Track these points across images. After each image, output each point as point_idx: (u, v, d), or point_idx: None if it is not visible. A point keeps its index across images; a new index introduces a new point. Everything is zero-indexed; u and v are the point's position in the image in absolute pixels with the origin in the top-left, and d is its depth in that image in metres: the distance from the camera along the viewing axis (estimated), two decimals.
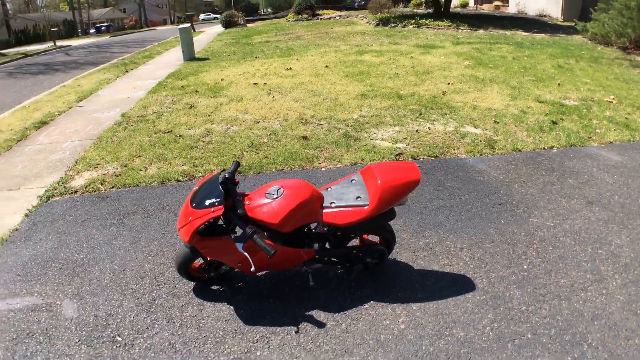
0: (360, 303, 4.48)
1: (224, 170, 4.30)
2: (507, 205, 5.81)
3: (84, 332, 4.41)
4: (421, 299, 4.44)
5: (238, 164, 4.30)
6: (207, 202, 3.98)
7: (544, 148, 7.39)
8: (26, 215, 6.37)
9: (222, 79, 12.47)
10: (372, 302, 4.47)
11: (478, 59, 12.91)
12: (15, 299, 4.84)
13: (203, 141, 8.41)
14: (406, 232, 5.39)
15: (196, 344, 4.21)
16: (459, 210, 5.73)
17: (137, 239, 5.76)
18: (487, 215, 5.59)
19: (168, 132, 8.61)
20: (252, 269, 3.99)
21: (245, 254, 3.95)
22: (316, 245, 4.38)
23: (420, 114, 8.77)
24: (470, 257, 4.94)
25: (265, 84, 11.43)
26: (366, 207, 4.07)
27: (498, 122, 8.18)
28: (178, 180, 7.12)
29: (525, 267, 4.76)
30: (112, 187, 7.01)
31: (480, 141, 7.52)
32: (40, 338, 4.35)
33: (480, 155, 7.12)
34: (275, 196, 4.06)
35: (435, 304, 4.38)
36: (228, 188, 4.02)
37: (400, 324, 4.22)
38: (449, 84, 10.45)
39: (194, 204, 4.04)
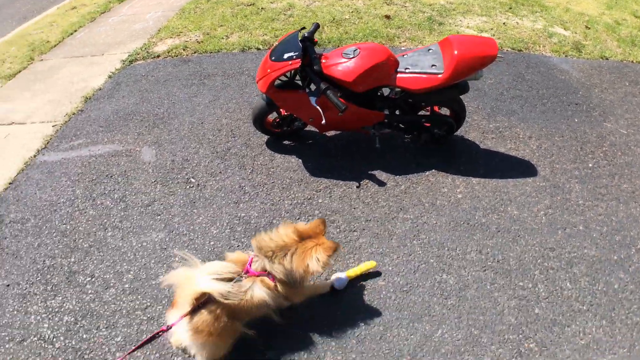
0: (422, 170, 4.64)
1: (303, 28, 4.39)
2: (584, 106, 5.71)
3: (160, 174, 4.82)
4: (482, 175, 4.55)
5: (318, 25, 4.37)
6: (286, 56, 4.11)
7: (633, 61, 7.07)
8: (109, 77, 6.65)
9: None
10: (433, 170, 4.63)
11: None
12: (97, 146, 5.26)
13: (284, 14, 8.46)
14: (478, 114, 5.41)
15: (264, 188, 4.53)
16: (534, 103, 5.68)
17: (216, 97, 6.02)
18: (561, 112, 5.53)
19: (250, 4, 8.75)
20: (323, 121, 4.14)
21: (318, 108, 4.09)
22: (387, 110, 4.48)
23: (510, 8, 8.46)
24: (537, 146, 4.95)
25: None
26: (440, 75, 4.09)
27: (589, 28, 7.83)
28: (258, 49, 7.27)
29: (590, 165, 4.76)
30: (194, 53, 7.18)
31: (568, 43, 7.26)
32: (119, 179, 4.78)
33: (565, 56, 6.92)
34: (351, 56, 4.13)
35: (494, 182, 4.49)
36: (306, 45, 4.11)
37: (457, 193, 4.36)
38: None
39: (273, 58, 4.18)
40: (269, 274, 2.91)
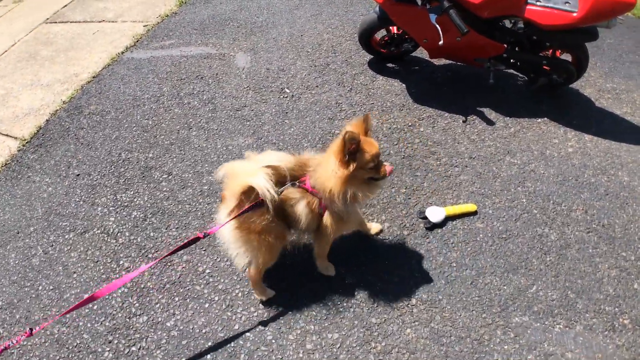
0: (533, 115, 4.31)
1: None
2: None
3: (253, 81, 4.64)
4: (594, 134, 4.21)
5: None
6: None
7: None
8: None
9: None
10: (545, 118, 4.29)
11: None
12: (189, 47, 5.12)
13: None
14: (595, 71, 5.01)
15: (362, 108, 4.28)
16: None
17: (318, 12, 5.77)
18: None
19: None
20: (440, 42, 3.82)
21: (437, 27, 3.77)
22: (506, 45, 4.12)
23: None
24: None
25: None
26: (574, 14, 3.70)
27: None
28: None
29: None
30: None
31: None
32: (210, 81, 4.62)
33: None
34: None
35: (607, 143, 4.15)
36: None
37: (568, 147, 4.05)
38: None
39: None
40: (320, 199, 2.58)
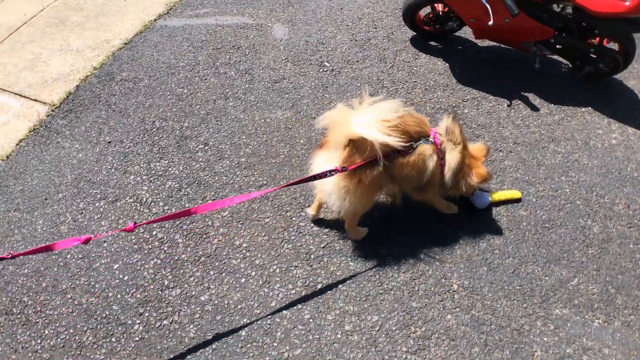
0: (577, 104, 4.22)
1: None
2: None
3: (292, 53, 4.52)
4: (638, 127, 4.11)
5: None
6: None
7: None
8: None
9: None
10: (589, 108, 4.20)
11: None
12: (225, 17, 4.97)
13: None
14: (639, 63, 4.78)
15: (405, 86, 4.21)
16: None
17: None
18: None
19: None
20: (490, 22, 3.70)
21: (487, 6, 3.66)
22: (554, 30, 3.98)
23: None
24: None
25: None
26: (626, 3, 3.57)
27: None
28: None
29: None
30: None
31: None
32: (247, 51, 4.51)
33: None
34: None
35: None
36: None
37: (612, 139, 3.97)
38: None
39: None
40: (442, 158, 2.71)
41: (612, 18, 3.65)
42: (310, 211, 3.17)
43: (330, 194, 2.71)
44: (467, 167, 2.90)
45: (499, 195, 3.38)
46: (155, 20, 4.98)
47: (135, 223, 2.38)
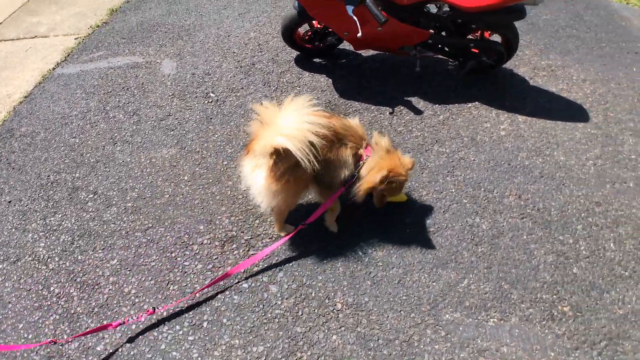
0: (463, 101, 4.20)
1: None
2: None
3: (178, 87, 4.52)
4: (529, 114, 4.11)
5: None
6: None
7: None
8: None
9: None
10: (476, 102, 4.18)
11: None
12: (117, 58, 4.98)
13: None
14: (530, 49, 4.94)
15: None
16: (592, 45, 5.17)
17: (246, 10, 5.68)
18: (619, 59, 5.00)
19: None
20: (359, 34, 3.68)
21: (355, 18, 3.64)
22: (431, 30, 4.02)
23: None
24: (591, 90, 4.47)
25: None
26: None
27: None
28: None
29: None
30: None
31: None
32: (135, 91, 4.48)
33: (627, 3, 6.34)
34: None
35: (542, 122, 4.05)
36: None
37: (500, 130, 3.94)
38: None
39: None
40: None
41: (485, 11, 3.61)
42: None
43: (259, 194, 2.85)
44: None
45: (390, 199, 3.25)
46: (53, 69, 4.97)
47: (154, 307, 2.77)
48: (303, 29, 4.38)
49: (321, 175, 2.84)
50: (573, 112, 4.17)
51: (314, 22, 4.24)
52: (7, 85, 4.85)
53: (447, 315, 2.86)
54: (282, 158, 2.68)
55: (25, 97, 4.67)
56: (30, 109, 4.50)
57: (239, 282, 3.03)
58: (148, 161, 3.82)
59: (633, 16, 5.67)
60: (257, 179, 2.77)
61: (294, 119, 2.63)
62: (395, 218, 3.32)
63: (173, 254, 3.24)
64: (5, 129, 4.32)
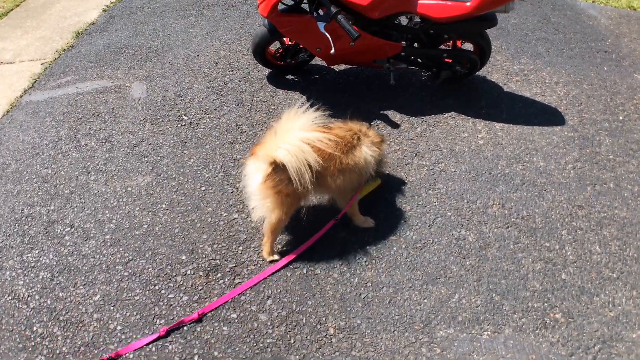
0: (440, 111, 4.21)
1: None
2: (613, 55, 5.25)
3: (150, 111, 4.42)
4: (505, 120, 4.14)
5: None
6: None
7: None
8: (104, 10, 6.18)
9: None
10: (452, 112, 4.19)
11: None
12: (85, 83, 4.85)
13: None
14: (501, 54, 4.97)
15: (263, 127, 4.11)
16: (561, 47, 5.24)
17: (214, 29, 5.61)
18: (589, 59, 5.09)
19: None
20: (332, 51, 3.66)
21: (327, 35, 3.62)
22: (404, 42, 4.02)
23: None
24: (565, 93, 4.52)
25: None
26: (468, 4, 3.61)
27: None
28: None
29: (620, 118, 4.34)
30: None
31: None
32: (106, 117, 4.38)
33: (592, 1, 6.46)
34: None
35: (519, 129, 4.08)
36: None
37: (479, 139, 3.95)
38: None
39: None
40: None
41: (456, 21, 3.64)
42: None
43: (252, 196, 2.97)
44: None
45: (364, 190, 3.36)
46: (21, 96, 4.83)
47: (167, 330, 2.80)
48: (274, 46, 4.36)
49: (342, 184, 2.99)
50: (548, 115, 4.20)
51: (285, 39, 4.21)
52: None
53: (441, 332, 2.83)
54: (279, 169, 2.77)
55: None
56: (0, 139, 4.32)
57: (227, 312, 2.96)
58: (124, 190, 3.74)
59: (600, 15, 5.78)
60: (253, 181, 2.88)
61: (299, 136, 2.74)
62: (382, 235, 3.31)
63: (157, 287, 3.15)
64: None
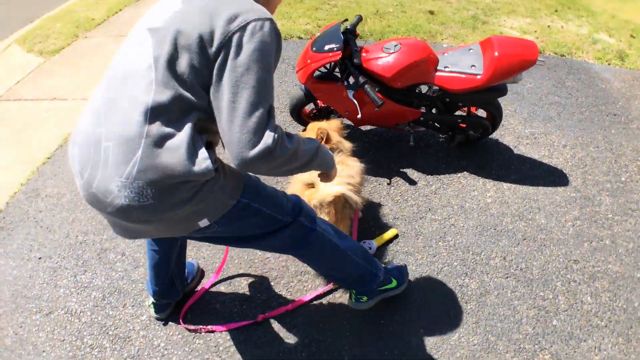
0: (453, 171, 4.67)
1: (346, 20, 4.40)
2: (622, 117, 5.64)
3: None
4: (513, 181, 4.57)
5: (361, 18, 4.40)
6: (327, 47, 4.14)
7: None
8: None
9: None
10: (465, 172, 4.65)
11: None
12: None
13: (328, 4, 8.49)
14: (514, 118, 5.41)
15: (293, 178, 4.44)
16: (572, 110, 5.65)
17: None
18: (598, 122, 5.49)
19: None
20: (359, 116, 4.18)
21: (355, 101, 4.13)
22: (423, 108, 4.51)
23: (556, 11, 8.33)
24: (571, 155, 4.93)
25: None
26: (479, 77, 4.09)
27: (634, 37, 7.67)
28: (300, 38, 7.33)
29: (623, 179, 4.73)
30: None
31: (612, 51, 7.15)
32: None
33: (608, 64, 6.84)
34: (391, 51, 4.15)
35: (525, 189, 4.50)
36: (348, 38, 4.14)
37: (487, 197, 4.39)
38: None
39: (314, 48, 4.22)
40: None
41: (469, 92, 4.11)
42: None
43: None
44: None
45: (382, 239, 3.88)
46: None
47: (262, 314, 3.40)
48: (309, 106, 4.86)
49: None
50: (554, 177, 4.61)
51: (318, 101, 4.71)
52: (29, 145, 5.26)
53: None
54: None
55: (48, 158, 5.07)
56: (54, 170, 4.89)
57: (258, 337, 3.43)
58: None
59: (613, 77, 6.17)
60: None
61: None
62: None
63: (193, 313, 3.61)
64: (30, 188, 4.73)
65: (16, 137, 5.49)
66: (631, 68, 6.73)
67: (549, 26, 7.65)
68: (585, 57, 6.82)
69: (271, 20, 2.03)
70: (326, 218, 3.07)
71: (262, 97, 1.95)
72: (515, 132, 5.19)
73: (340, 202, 3.13)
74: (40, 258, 4.06)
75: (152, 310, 3.58)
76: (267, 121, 1.97)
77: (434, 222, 4.16)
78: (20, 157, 5.18)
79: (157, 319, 3.60)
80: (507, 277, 3.76)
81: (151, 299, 3.54)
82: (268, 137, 1.95)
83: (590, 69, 6.49)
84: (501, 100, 4.49)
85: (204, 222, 2.20)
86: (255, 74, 1.93)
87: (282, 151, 2.01)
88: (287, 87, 5.96)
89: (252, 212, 2.46)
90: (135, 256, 4.00)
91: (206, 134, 2.13)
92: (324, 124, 3.56)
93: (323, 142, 3.29)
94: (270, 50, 1.99)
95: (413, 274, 3.77)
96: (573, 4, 8.66)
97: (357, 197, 3.26)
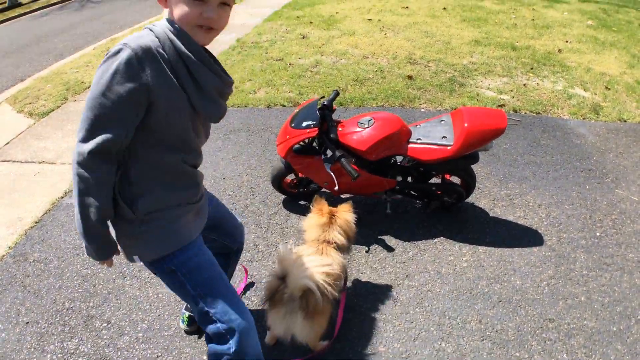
0: (430, 237, 4.82)
1: (323, 97, 4.69)
2: (597, 172, 5.81)
3: None
4: (488, 244, 4.71)
5: (337, 93, 4.71)
6: (304, 124, 4.42)
7: None
8: None
9: (337, 12, 12.00)
10: (441, 237, 4.81)
11: (602, 20, 11.91)
12: None
13: (311, 71, 8.83)
14: (490, 180, 5.59)
15: (276, 248, 4.74)
16: (547, 169, 5.82)
17: (239, 153, 6.36)
18: (573, 178, 5.66)
19: (279, 59, 8.95)
20: (336, 188, 4.39)
21: (332, 174, 4.39)
22: (399, 177, 4.72)
23: (532, 68, 8.64)
24: (546, 214, 5.08)
25: (379, 20, 11.24)
26: (449, 147, 4.31)
27: (609, 89, 7.93)
28: (283, 105, 7.64)
29: (597, 234, 4.87)
30: None
31: (587, 105, 7.38)
32: None
33: (582, 119, 7.05)
34: (366, 126, 4.41)
35: (500, 251, 4.65)
36: (324, 114, 4.42)
37: (463, 262, 4.54)
38: (567, 41, 9.92)
39: (293, 124, 4.50)
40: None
41: (441, 162, 4.32)
42: (270, 341, 3.72)
43: (299, 333, 3.15)
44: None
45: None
46: (62, 197, 5.44)
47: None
48: (289, 177, 5.08)
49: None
50: (529, 237, 4.76)
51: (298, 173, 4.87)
52: (17, 208, 5.33)
53: None
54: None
55: (36, 222, 5.17)
56: (42, 235, 5.00)
57: None
58: (155, 296, 4.32)
59: (588, 132, 6.40)
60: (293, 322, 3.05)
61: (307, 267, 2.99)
62: (370, 348, 3.81)
63: None
64: (18, 252, 4.82)
65: (4, 199, 5.61)
66: (605, 120, 6.98)
67: (525, 85, 7.94)
68: (560, 114, 7.07)
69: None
70: (300, 312, 3.04)
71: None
72: (491, 195, 5.37)
73: (313, 297, 3.00)
74: (27, 322, 4.14)
75: (182, 324, 3.84)
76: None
77: (411, 288, 4.29)
78: (7, 219, 5.29)
79: (186, 331, 3.81)
80: (482, 340, 3.84)
81: (187, 312, 3.79)
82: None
83: (565, 125, 6.73)
84: (478, 162, 4.69)
85: (137, 259, 2.43)
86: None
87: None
88: (270, 155, 6.18)
89: (177, 280, 2.56)
90: (121, 324, 4.08)
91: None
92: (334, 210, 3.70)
93: (326, 221, 3.61)
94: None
95: (390, 340, 3.86)
96: (548, 61, 9.00)
97: (332, 289, 3.15)
